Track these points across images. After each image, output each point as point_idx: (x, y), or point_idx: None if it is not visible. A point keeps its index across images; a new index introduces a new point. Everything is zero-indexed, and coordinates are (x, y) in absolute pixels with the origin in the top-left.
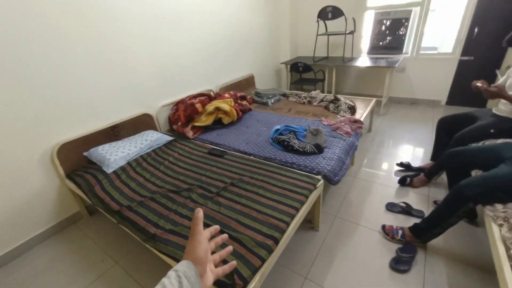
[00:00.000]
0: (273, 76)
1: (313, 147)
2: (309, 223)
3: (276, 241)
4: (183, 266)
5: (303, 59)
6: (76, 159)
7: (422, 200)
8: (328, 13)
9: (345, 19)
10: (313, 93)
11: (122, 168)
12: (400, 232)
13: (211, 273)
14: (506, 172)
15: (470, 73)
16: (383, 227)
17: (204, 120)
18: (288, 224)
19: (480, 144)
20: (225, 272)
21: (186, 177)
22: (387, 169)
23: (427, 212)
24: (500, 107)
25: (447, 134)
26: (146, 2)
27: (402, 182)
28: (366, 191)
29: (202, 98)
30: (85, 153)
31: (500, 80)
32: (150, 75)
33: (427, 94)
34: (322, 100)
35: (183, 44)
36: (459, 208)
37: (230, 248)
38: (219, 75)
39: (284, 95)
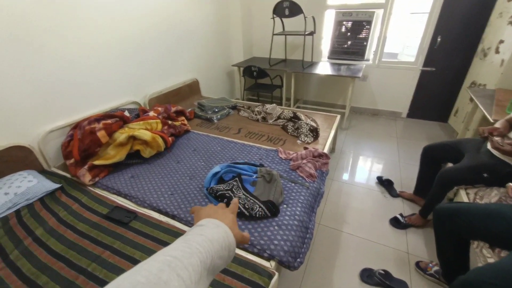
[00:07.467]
0: (224, 81)
1: (264, 208)
2: None
3: None
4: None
5: (259, 60)
6: None
7: (401, 259)
8: (285, 9)
9: (304, 17)
10: (269, 107)
11: None
12: None
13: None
14: None
15: (432, 85)
16: None
17: (112, 156)
18: None
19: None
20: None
21: (51, 279)
22: (357, 209)
23: (409, 282)
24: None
25: (433, 165)
26: None
27: (396, 223)
28: (333, 248)
29: (109, 121)
30: None
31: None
32: (24, 88)
33: (388, 105)
34: (279, 117)
35: (91, 42)
36: None
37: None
38: (149, 81)
39: (234, 107)
